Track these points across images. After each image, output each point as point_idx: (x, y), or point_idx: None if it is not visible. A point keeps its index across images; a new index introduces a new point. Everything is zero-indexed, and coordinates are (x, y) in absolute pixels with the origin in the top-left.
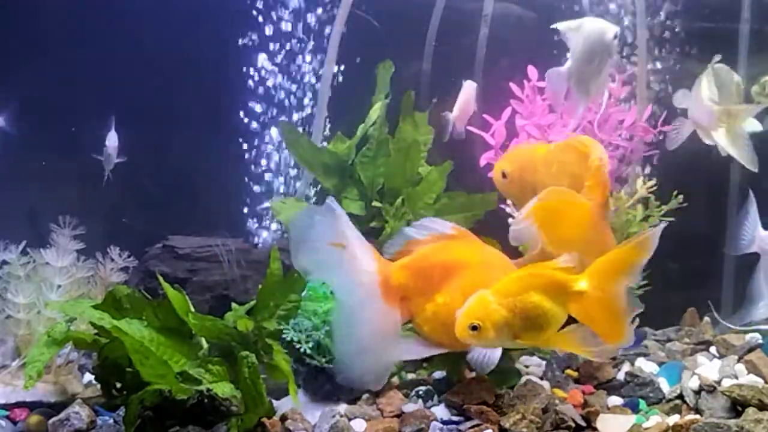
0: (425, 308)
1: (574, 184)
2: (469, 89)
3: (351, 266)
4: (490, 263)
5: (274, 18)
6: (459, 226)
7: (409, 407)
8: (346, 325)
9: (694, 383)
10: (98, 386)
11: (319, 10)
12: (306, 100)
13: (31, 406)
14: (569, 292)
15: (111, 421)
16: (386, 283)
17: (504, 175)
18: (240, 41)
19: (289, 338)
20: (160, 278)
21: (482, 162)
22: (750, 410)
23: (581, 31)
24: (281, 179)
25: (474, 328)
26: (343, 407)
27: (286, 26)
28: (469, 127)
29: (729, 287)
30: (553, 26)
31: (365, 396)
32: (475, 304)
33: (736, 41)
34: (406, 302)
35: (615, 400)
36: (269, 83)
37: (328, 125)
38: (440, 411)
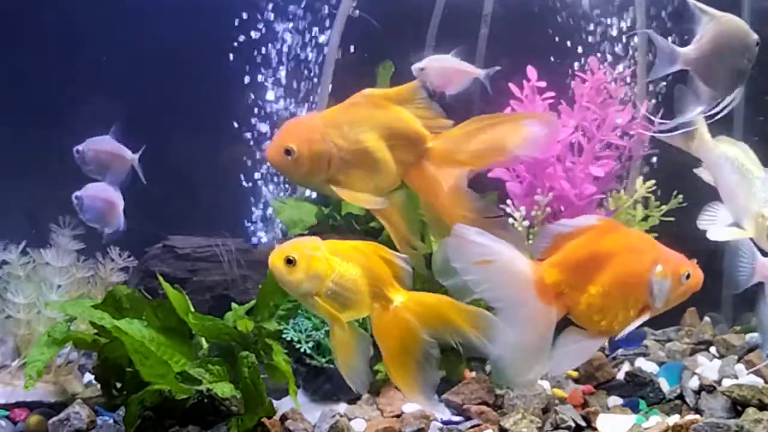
0: (580, 301)
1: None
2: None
3: (504, 275)
4: (637, 248)
5: (275, 18)
6: (602, 216)
7: (409, 407)
8: (505, 331)
9: (694, 383)
10: (98, 386)
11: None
12: (306, 100)
13: (31, 406)
14: (382, 294)
15: (111, 421)
16: (541, 282)
17: (288, 152)
18: (241, 41)
19: (289, 338)
20: (160, 278)
21: None
22: (750, 410)
23: (719, 18)
24: (281, 179)
25: (290, 261)
26: (343, 407)
27: (286, 26)
28: None
29: (729, 287)
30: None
31: (365, 396)
32: (303, 243)
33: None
34: (560, 298)
35: (615, 400)
36: (270, 82)
37: None
38: (440, 411)
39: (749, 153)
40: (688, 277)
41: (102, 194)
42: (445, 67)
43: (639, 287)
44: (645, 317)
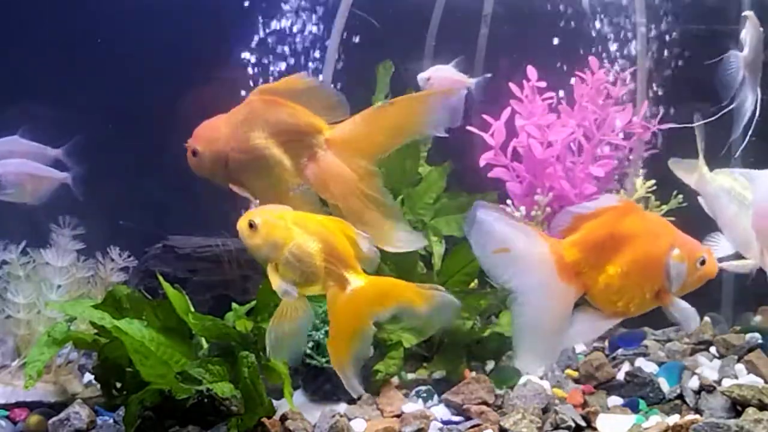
0: (598, 280)
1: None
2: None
3: (526, 256)
4: (655, 231)
5: (276, 16)
6: (623, 197)
7: (409, 407)
8: (527, 312)
9: (694, 383)
10: (98, 386)
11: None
12: None
13: (31, 406)
14: (339, 274)
15: (111, 421)
16: (561, 261)
17: (195, 153)
18: (241, 40)
19: None
20: (160, 278)
21: (482, 162)
22: (750, 410)
23: (753, 19)
24: None
25: (252, 225)
26: (343, 407)
27: (286, 25)
28: (468, 127)
29: (729, 287)
30: (744, 14)
31: (365, 396)
32: (269, 210)
33: (736, 41)
34: (579, 277)
35: (615, 400)
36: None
37: None
38: (440, 411)
39: (745, 182)
40: (703, 263)
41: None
42: (447, 78)
43: (656, 270)
44: (658, 304)
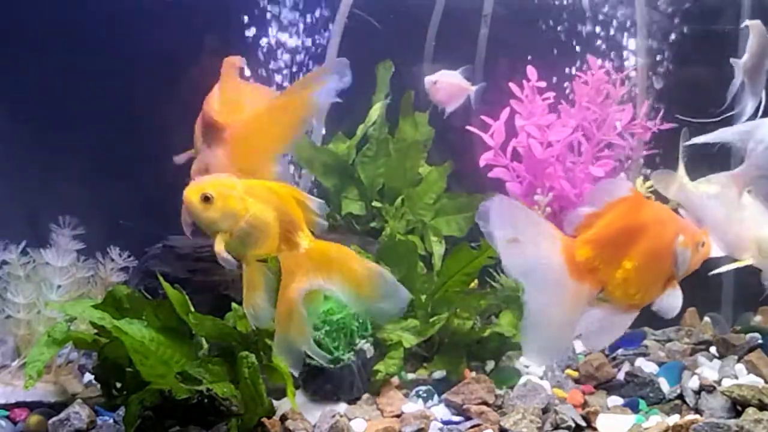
0: (615, 276)
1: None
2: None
3: (534, 254)
4: (662, 220)
5: (275, 16)
6: (633, 187)
7: (409, 407)
8: (536, 307)
9: (694, 383)
10: (98, 386)
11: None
12: None
13: (31, 406)
14: (291, 237)
15: (111, 421)
16: (572, 260)
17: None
18: (240, 40)
19: None
20: (161, 278)
21: (482, 162)
22: (750, 410)
23: (756, 27)
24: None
25: (206, 198)
26: (343, 407)
27: (285, 23)
28: (469, 127)
29: (729, 287)
30: (744, 24)
31: (365, 396)
32: (220, 181)
33: (736, 41)
34: (595, 274)
35: (615, 400)
36: (271, 81)
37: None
38: (440, 411)
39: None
40: (702, 245)
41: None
42: (453, 84)
43: (667, 258)
44: (675, 288)
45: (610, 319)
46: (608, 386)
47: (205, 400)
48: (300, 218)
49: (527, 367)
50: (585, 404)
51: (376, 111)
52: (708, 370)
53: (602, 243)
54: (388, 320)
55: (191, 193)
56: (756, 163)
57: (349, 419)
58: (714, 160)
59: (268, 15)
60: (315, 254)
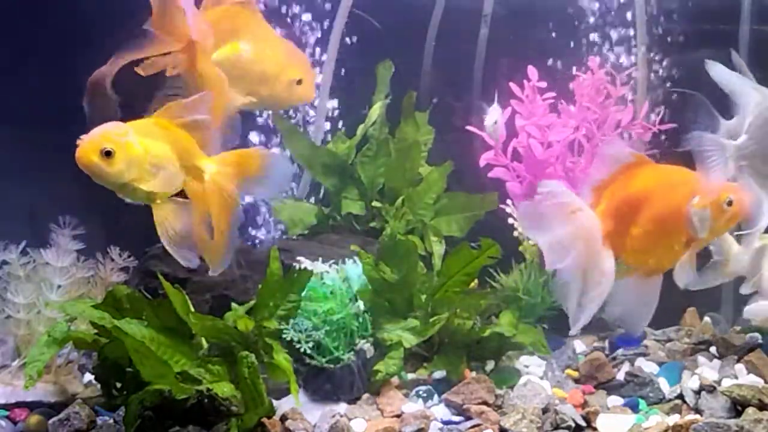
0: (625, 244)
1: None
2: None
3: (579, 231)
4: (671, 182)
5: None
6: (636, 152)
7: (409, 407)
8: (578, 282)
9: (694, 383)
10: (98, 386)
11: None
12: None
13: (31, 406)
14: (191, 165)
15: (111, 421)
16: (602, 230)
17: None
18: None
19: (289, 338)
20: (161, 278)
21: (482, 162)
22: (750, 410)
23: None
24: None
25: (108, 153)
26: (343, 407)
27: (286, 24)
28: (469, 127)
29: (729, 287)
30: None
31: (365, 396)
32: (111, 131)
33: (736, 41)
34: (612, 245)
35: (615, 400)
36: None
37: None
38: (440, 411)
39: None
40: (730, 203)
41: None
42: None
43: (678, 221)
44: (694, 250)
45: (636, 290)
46: (608, 386)
47: (205, 400)
48: (193, 143)
49: (527, 367)
50: (585, 404)
51: (376, 111)
52: (708, 370)
53: (611, 214)
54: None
55: (88, 153)
56: (755, 137)
57: (349, 419)
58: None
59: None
60: (224, 170)
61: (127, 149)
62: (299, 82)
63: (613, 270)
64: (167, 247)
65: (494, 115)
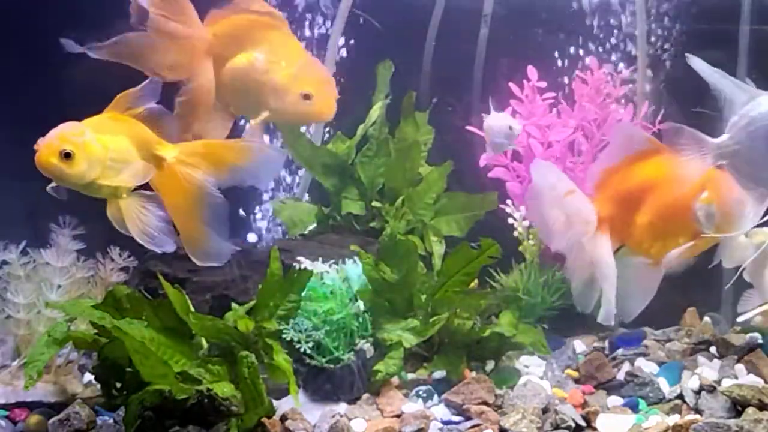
0: (630, 233)
1: None
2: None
3: (575, 215)
4: (680, 176)
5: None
6: (653, 138)
7: (409, 407)
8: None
9: (694, 383)
10: (98, 386)
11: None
12: None
13: (31, 406)
14: (153, 154)
15: (111, 421)
16: (599, 217)
17: None
18: None
19: (289, 338)
20: (161, 278)
21: (482, 162)
22: (750, 410)
23: (753, 107)
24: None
25: (67, 155)
26: (343, 407)
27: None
28: (469, 127)
29: (729, 287)
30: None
31: (365, 396)
32: (68, 132)
33: (736, 41)
34: (615, 231)
35: (615, 400)
36: None
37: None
38: (440, 411)
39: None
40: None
41: None
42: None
43: (683, 215)
44: (696, 243)
45: (637, 276)
46: (608, 386)
47: (205, 400)
48: (150, 133)
49: (527, 367)
50: (585, 404)
51: (376, 111)
52: (708, 370)
53: (615, 201)
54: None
55: (47, 157)
56: (737, 136)
57: (349, 419)
58: None
59: None
60: (184, 156)
61: (86, 148)
62: (308, 96)
63: (608, 254)
64: (140, 240)
65: (505, 121)
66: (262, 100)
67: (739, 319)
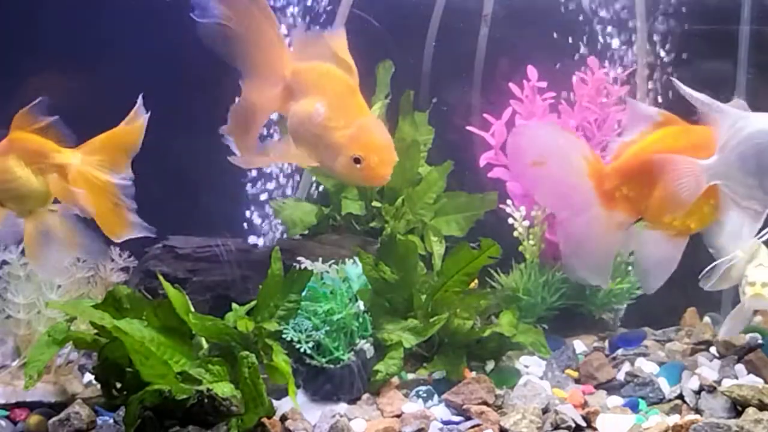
0: (649, 204)
1: None
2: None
3: (563, 181)
4: (698, 145)
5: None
6: (664, 111)
7: (409, 407)
8: (571, 235)
9: (694, 383)
10: (98, 386)
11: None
12: None
13: (31, 406)
14: (51, 163)
15: (111, 421)
16: (601, 187)
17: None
18: None
19: (289, 338)
20: (161, 278)
21: (482, 162)
22: (750, 410)
23: (742, 127)
24: (282, 179)
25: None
26: (343, 407)
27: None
28: (469, 127)
29: (729, 287)
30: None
31: (365, 396)
32: None
33: (736, 41)
34: (628, 202)
35: (615, 400)
36: None
37: None
38: (440, 411)
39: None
40: None
41: None
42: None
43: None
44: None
45: (658, 248)
46: (608, 386)
47: (205, 400)
48: (44, 143)
49: (527, 367)
50: (585, 404)
51: (376, 111)
52: (708, 370)
53: (630, 171)
54: None
55: None
56: (728, 157)
57: (349, 419)
58: None
59: None
60: (88, 157)
61: None
62: (359, 161)
63: (612, 229)
64: (70, 252)
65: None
66: (314, 152)
67: (720, 336)
